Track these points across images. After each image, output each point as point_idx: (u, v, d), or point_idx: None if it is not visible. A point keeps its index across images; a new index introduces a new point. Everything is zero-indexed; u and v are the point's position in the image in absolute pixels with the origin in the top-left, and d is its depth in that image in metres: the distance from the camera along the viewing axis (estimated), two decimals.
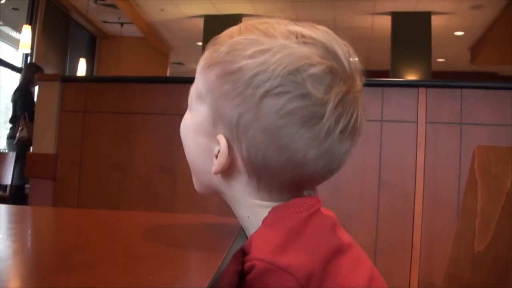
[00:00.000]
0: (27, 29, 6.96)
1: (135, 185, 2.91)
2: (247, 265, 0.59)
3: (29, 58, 7.80)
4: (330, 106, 0.63)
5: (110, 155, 2.97)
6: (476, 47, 9.93)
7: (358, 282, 0.64)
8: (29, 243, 0.69)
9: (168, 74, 11.35)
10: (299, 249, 0.62)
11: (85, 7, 8.91)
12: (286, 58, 0.63)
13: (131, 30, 10.09)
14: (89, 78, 6.08)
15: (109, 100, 3.04)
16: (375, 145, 2.61)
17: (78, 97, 3.05)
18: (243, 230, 0.75)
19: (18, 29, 7.48)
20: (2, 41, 7.92)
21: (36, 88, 5.10)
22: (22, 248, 0.64)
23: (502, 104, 2.63)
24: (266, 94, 0.63)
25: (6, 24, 8.14)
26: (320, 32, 0.67)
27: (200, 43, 9.58)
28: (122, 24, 9.99)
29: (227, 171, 0.68)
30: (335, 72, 0.65)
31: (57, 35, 8.91)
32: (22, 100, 5.53)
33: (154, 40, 10.57)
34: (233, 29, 0.71)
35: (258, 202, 0.69)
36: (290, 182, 0.68)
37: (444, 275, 1.06)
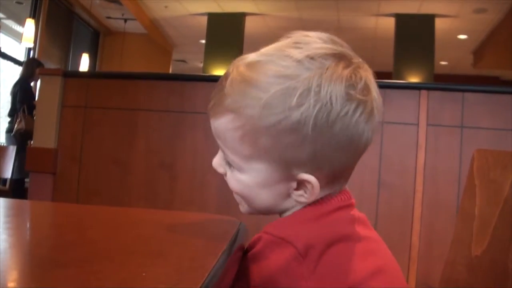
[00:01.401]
0: (30, 23, 6.96)
1: (135, 181, 2.91)
2: (253, 238, 0.68)
3: (31, 52, 7.80)
4: (374, 93, 0.71)
5: (111, 150, 2.97)
6: (479, 51, 9.92)
7: (360, 270, 0.67)
8: (25, 237, 0.69)
9: (170, 71, 11.35)
10: (307, 228, 0.69)
11: (89, 2, 8.92)
12: (329, 85, 0.66)
13: (134, 27, 10.09)
14: (91, 73, 6.08)
15: (110, 96, 3.04)
16: (375, 146, 2.61)
17: (80, 92, 3.05)
18: (242, 228, 0.76)
19: (21, 23, 7.48)
20: (5, 35, 7.92)
21: (37, 82, 5.11)
22: (18, 242, 0.64)
23: (503, 109, 2.63)
24: (332, 123, 0.66)
25: (9, 17, 8.15)
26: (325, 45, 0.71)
27: (203, 41, 9.58)
28: (125, 20, 10.00)
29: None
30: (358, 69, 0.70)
31: (60, 29, 8.92)
32: (21, 94, 5.53)
33: (157, 37, 10.57)
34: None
35: (313, 209, 0.73)
36: (349, 174, 0.75)
37: (441, 277, 1.06)
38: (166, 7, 8.97)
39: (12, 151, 3.94)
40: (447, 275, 1.05)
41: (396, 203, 2.64)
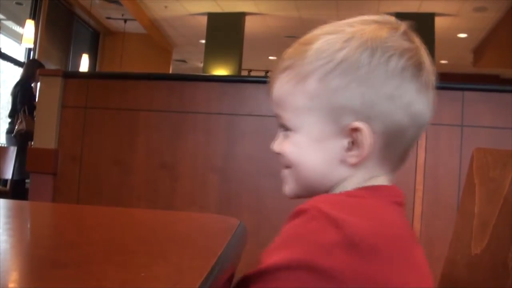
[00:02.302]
0: (30, 24, 6.97)
1: (136, 181, 2.91)
2: (296, 209, 0.64)
3: (31, 53, 7.80)
4: (423, 52, 0.74)
5: (111, 151, 2.97)
6: (479, 50, 9.92)
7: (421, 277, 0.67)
8: (25, 238, 0.69)
9: (171, 71, 11.36)
10: (365, 217, 0.65)
11: (88, 2, 8.92)
12: (372, 32, 0.71)
13: (134, 27, 10.10)
14: (91, 74, 6.08)
15: (111, 96, 3.04)
16: None
17: (80, 93, 3.05)
18: (241, 228, 0.75)
19: (21, 24, 7.49)
20: (5, 36, 7.93)
21: (38, 84, 5.12)
22: (19, 243, 0.64)
23: (503, 107, 2.63)
24: (376, 66, 0.68)
25: (9, 18, 8.15)
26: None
27: (203, 41, 9.58)
28: (125, 20, 10.00)
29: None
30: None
31: (61, 30, 8.92)
32: (22, 94, 5.53)
33: (157, 37, 10.58)
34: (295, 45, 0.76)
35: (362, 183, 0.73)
36: (402, 152, 0.74)
37: (440, 276, 1.06)
38: (166, 7, 8.97)
39: (12, 152, 3.95)
40: (447, 274, 1.05)
41: None
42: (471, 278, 0.98)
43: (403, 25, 0.74)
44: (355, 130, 0.69)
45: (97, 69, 10.45)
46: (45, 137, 3.03)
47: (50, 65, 7.92)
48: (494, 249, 0.94)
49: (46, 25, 8.08)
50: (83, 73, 6.65)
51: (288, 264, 0.59)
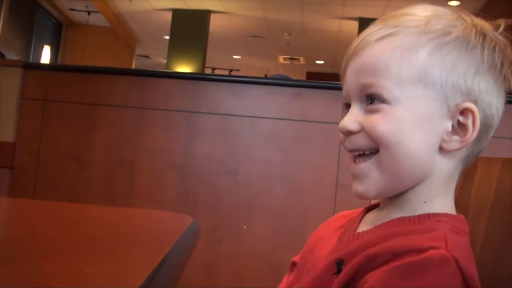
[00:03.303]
0: None
1: (93, 177, 2.88)
2: (435, 255, 0.56)
3: None
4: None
5: (69, 146, 2.93)
6: None
7: None
8: None
9: (133, 67, 11.25)
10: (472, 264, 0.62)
11: None
12: (476, 19, 0.70)
13: (98, 19, 9.96)
14: (51, 66, 5.98)
15: (70, 89, 2.99)
16: (334, 147, 2.64)
17: (39, 85, 3.00)
18: (194, 226, 0.75)
19: None
20: None
21: None
22: None
23: None
24: (486, 50, 0.67)
25: None
26: None
27: (167, 37, 9.52)
28: (89, 12, 9.85)
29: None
30: None
31: (23, 20, 8.73)
32: None
33: (121, 31, 10.46)
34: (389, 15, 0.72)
35: (448, 186, 0.70)
36: (483, 149, 0.71)
37: None
38: (130, 1, 8.88)
39: None
40: None
41: (354, 203, 2.66)
42: None
43: (503, 22, 0.71)
44: (465, 111, 0.66)
45: (58, 62, 10.27)
46: (3, 130, 2.97)
47: (11, 56, 7.75)
48: None
49: (8, 14, 7.90)
50: (43, 64, 6.53)
51: None
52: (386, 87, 0.66)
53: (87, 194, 2.87)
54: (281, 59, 12.49)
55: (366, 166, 0.68)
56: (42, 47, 8.98)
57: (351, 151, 0.71)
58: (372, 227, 0.70)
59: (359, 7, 8.08)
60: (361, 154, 0.69)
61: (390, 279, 0.55)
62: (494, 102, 0.68)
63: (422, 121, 0.65)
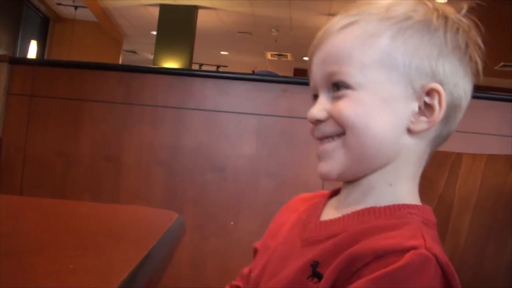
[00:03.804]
0: None
1: (80, 173, 2.87)
2: (406, 248, 0.57)
3: None
4: (475, 34, 0.71)
5: (56, 141, 2.91)
6: None
7: None
8: None
9: (120, 62, 11.20)
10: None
11: None
12: (438, 4, 0.70)
13: (85, 14, 9.89)
14: (38, 61, 5.93)
15: (57, 85, 2.98)
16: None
17: (26, 80, 2.97)
18: (179, 222, 0.75)
19: None
20: None
21: None
22: None
23: None
24: (449, 32, 0.67)
25: None
26: None
27: (154, 32, 9.48)
28: (76, 7, 9.79)
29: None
30: None
31: (10, 14, 8.66)
32: None
33: (108, 26, 10.40)
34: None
35: (415, 169, 0.70)
36: (451, 131, 0.72)
37: None
38: None
39: None
40: None
41: None
42: None
43: (466, 4, 0.72)
44: (430, 92, 0.66)
45: (45, 57, 10.19)
46: None
47: None
48: None
49: None
50: (30, 59, 6.48)
51: None
52: (350, 73, 0.67)
53: (74, 190, 2.85)
54: (268, 55, 12.48)
55: (331, 146, 0.70)
56: (29, 42, 8.91)
57: (320, 139, 0.72)
58: (339, 215, 0.70)
59: (347, 3, 8.08)
60: (329, 140, 0.70)
61: None
62: (461, 83, 0.69)
63: (387, 103, 0.67)
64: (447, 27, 0.68)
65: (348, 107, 0.67)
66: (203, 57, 12.25)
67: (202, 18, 9.20)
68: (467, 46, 0.69)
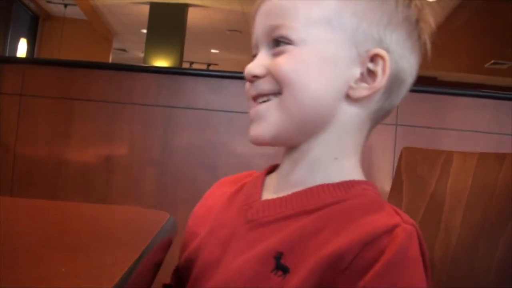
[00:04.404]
0: None
1: (71, 173, 2.85)
2: (393, 225, 0.56)
3: None
4: (428, 13, 0.70)
5: (46, 141, 2.90)
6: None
7: None
8: None
9: (110, 60, 11.15)
10: None
11: None
12: None
13: (75, 12, 9.83)
14: (28, 59, 5.91)
15: (46, 84, 2.96)
16: None
17: (16, 79, 2.96)
18: (171, 222, 0.75)
19: None
20: None
21: None
22: None
23: (436, 108, 2.72)
24: (400, 3, 0.66)
25: None
26: None
27: (144, 30, 9.45)
28: (66, 5, 9.74)
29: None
30: None
31: None
32: None
33: (98, 24, 10.34)
34: None
35: (356, 141, 0.68)
36: (393, 106, 0.70)
37: None
38: None
39: None
40: None
41: None
42: None
43: None
44: (374, 58, 0.64)
45: (35, 55, 10.13)
46: None
47: None
48: None
49: None
50: (19, 58, 6.45)
51: None
52: (293, 27, 0.64)
53: (65, 190, 2.84)
54: None
55: (265, 106, 0.66)
56: (18, 40, 8.85)
57: (254, 98, 0.69)
58: (288, 193, 0.66)
59: None
60: (265, 101, 0.67)
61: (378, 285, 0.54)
62: (407, 56, 0.67)
63: (328, 64, 0.64)
64: None
65: (288, 63, 0.64)
66: (194, 56, 12.21)
67: (192, 16, 9.18)
68: (417, 21, 0.68)
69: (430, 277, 0.58)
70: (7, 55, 8.37)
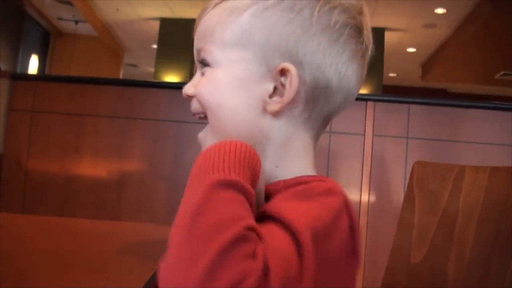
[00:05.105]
0: None
1: (82, 188, 2.86)
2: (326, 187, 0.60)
3: None
4: (366, 18, 0.69)
5: (57, 157, 2.91)
6: (427, 64, 10.16)
7: None
8: None
9: (121, 76, 11.21)
10: None
11: (40, 1, 8.71)
12: None
13: (85, 29, 9.91)
14: (39, 76, 5.95)
15: (58, 100, 2.98)
16: (323, 155, 2.65)
17: (27, 96, 2.98)
18: None
19: None
20: None
21: None
22: None
23: (446, 121, 2.71)
24: (318, 13, 0.65)
25: None
26: None
27: (155, 46, 9.50)
28: (76, 22, 9.82)
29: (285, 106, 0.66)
30: None
31: (10, 29, 8.68)
32: None
33: (108, 40, 10.42)
34: None
35: (295, 149, 0.68)
36: (326, 116, 0.70)
37: (381, 285, 1.09)
38: (117, 10, 8.85)
39: None
40: (387, 282, 1.07)
41: None
42: (410, 286, 1.01)
43: None
44: (283, 72, 0.65)
45: (46, 72, 10.20)
46: None
47: None
48: (433, 259, 0.97)
49: None
50: (31, 75, 6.49)
51: None
52: (210, 51, 0.67)
53: (76, 206, 2.85)
54: None
55: (202, 134, 0.70)
56: (29, 57, 8.92)
57: (194, 114, 0.71)
58: None
59: None
60: (202, 117, 0.69)
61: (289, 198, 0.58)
62: (330, 63, 0.66)
63: (241, 83, 0.65)
64: (316, 6, 0.65)
65: (203, 86, 0.67)
66: None
67: None
68: (344, 26, 0.67)
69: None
70: (18, 71, 8.49)
